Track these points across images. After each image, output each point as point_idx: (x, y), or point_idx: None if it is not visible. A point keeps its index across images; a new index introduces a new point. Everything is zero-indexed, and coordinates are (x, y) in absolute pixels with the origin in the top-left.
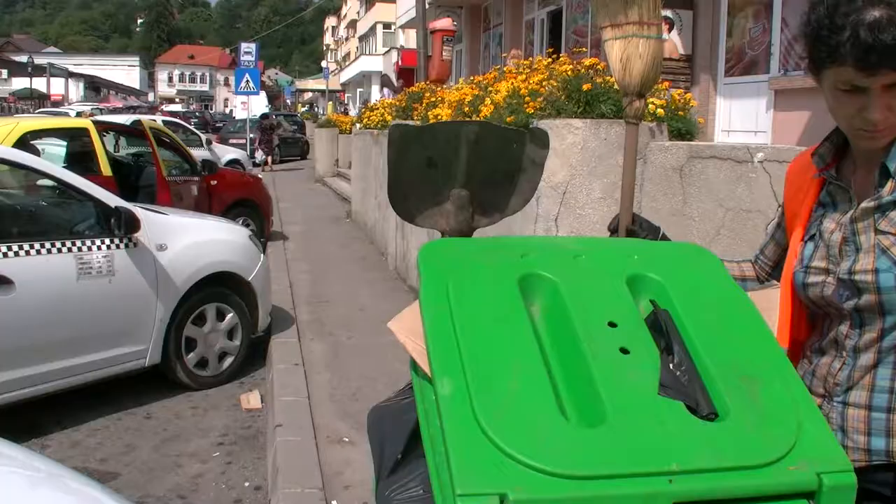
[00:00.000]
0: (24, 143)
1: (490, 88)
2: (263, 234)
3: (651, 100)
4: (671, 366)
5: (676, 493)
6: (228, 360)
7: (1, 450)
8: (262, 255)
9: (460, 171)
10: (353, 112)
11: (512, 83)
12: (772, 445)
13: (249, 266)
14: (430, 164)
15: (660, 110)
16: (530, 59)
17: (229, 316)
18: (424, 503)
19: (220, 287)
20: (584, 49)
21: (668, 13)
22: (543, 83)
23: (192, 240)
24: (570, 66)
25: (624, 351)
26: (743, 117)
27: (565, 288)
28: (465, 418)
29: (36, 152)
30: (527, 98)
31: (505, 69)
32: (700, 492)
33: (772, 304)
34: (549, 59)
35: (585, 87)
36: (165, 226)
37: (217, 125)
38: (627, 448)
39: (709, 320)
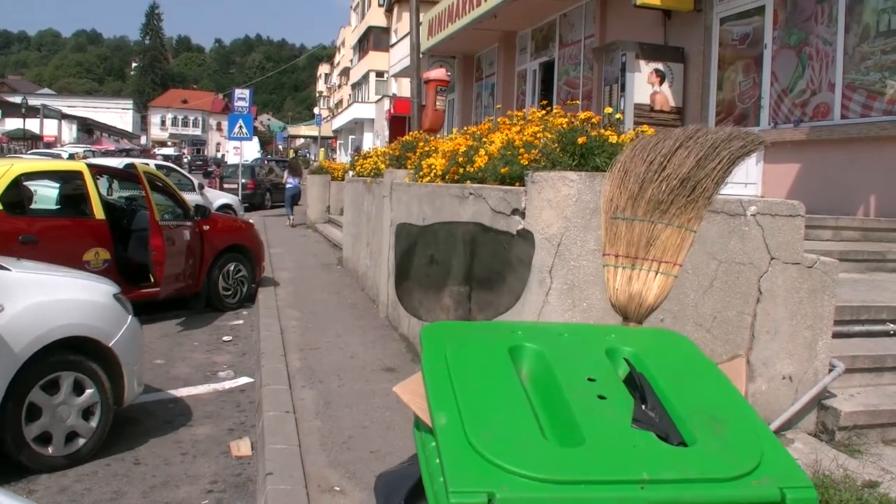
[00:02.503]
0: (17, 184)
1: (484, 139)
2: (255, 279)
3: None
4: (644, 407)
5: (647, 499)
6: (79, 443)
7: None
8: (129, 316)
9: (458, 268)
10: (341, 159)
11: (506, 134)
12: (735, 465)
13: (110, 330)
14: (431, 261)
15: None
16: (523, 110)
17: (89, 391)
18: None
19: (75, 354)
20: (577, 101)
21: (659, 66)
22: (538, 135)
23: (37, 300)
24: (566, 119)
25: (601, 397)
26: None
27: (550, 354)
28: (457, 439)
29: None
30: (521, 149)
31: (499, 120)
32: (669, 499)
33: (740, 373)
34: (544, 111)
35: (581, 140)
36: (3, 283)
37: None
38: (603, 461)
39: (679, 380)
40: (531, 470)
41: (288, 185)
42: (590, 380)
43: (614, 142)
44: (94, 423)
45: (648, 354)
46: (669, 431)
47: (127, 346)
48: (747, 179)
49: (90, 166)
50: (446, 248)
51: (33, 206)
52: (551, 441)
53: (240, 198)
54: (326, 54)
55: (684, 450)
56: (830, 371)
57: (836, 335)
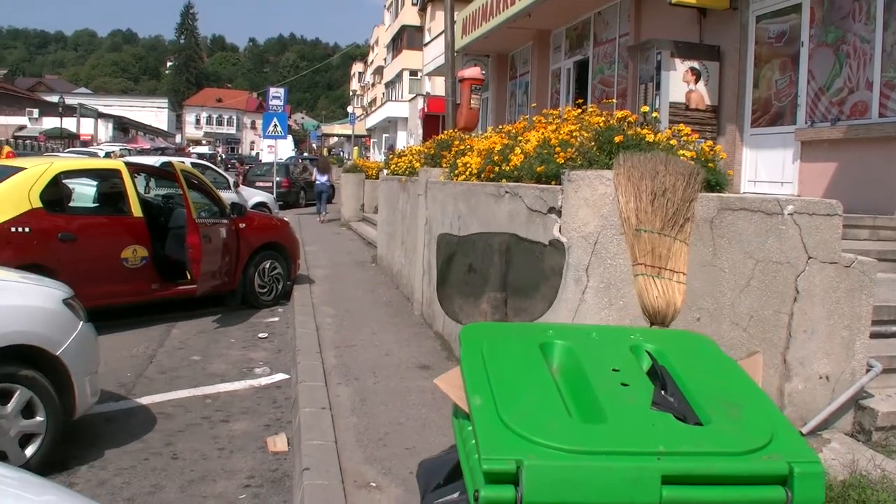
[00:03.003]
0: (56, 182)
1: (520, 138)
2: (290, 277)
3: (681, 151)
4: (663, 393)
5: (664, 469)
6: (27, 455)
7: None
8: (81, 322)
9: (494, 276)
10: (375, 157)
11: (542, 133)
12: (748, 441)
13: (58, 337)
14: (470, 269)
15: (690, 162)
16: (558, 109)
17: (31, 402)
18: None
19: (16, 364)
20: (612, 100)
21: (694, 64)
22: (574, 133)
23: None
24: (602, 118)
25: (624, 385)
26: (769, 168)
27: (579, 349)
28: (490, 417)
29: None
30: (557, 148)
31: (535, 119)
32: (684, 470)
33: (757, 367)
34: (580, 110)
35: (617, 139)
36: None
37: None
38: (622, 436)
39: (698, 372)
40: (556, 441)
41: (317, 182)
42: (614, 370)
43: (651, 140)
44: (35, 443)
45: (670, 350)
46: (687, 413)
47: (77, 354)
48: (783, 178)
49: (128, 164)
50: (484, 258)
51: (72, 203)
52: (576, 419)
53: (274, 196)
54: (360, 53)
55: (700, 428)
56: (868, 371)
57: (873, 335)
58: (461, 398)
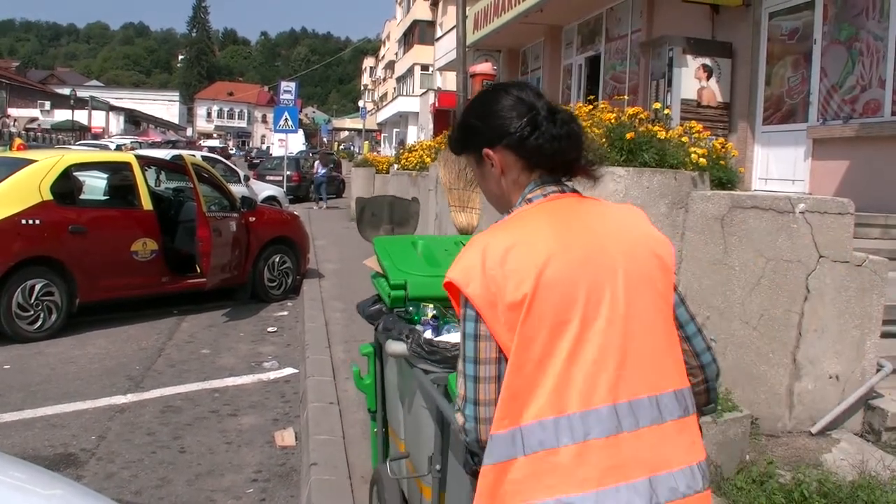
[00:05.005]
0: (67, 175)
1: None
2: (300, 271)
3: (692, 149)
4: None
5: None
6: None
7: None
8: None
9: (386, 217)
10: (385, 152)
11: None
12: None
13: None
14: (373, 215)
15: (702, 160)
16: (569, 105)
17: None
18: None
19: None
20: (623, 96)
21: (706, 61)
22: (585, 130)
23: None
24: (613, 114)
25: (447, 251)
26: (780, 165)
27: (429, 243)
28: (392, 267)
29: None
30: None
31: None
32: None
33: None
34: (591, 106)
35: (629, 135)
36: None
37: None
38: (444, 268)
39: None
40: (418, 272)
41: (317, 175)
42: (445, 250)
43: (663, 137)
44: None
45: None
46: None
47: None
48: (795, 176)
49: (138, 158)
50: (380, 208)
51: (82, 196)
52: (426, 264)
53: (285, 190)
54: (371, 48)
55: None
56: (878, 371)
57: (884, 335)
58: (377, 266)
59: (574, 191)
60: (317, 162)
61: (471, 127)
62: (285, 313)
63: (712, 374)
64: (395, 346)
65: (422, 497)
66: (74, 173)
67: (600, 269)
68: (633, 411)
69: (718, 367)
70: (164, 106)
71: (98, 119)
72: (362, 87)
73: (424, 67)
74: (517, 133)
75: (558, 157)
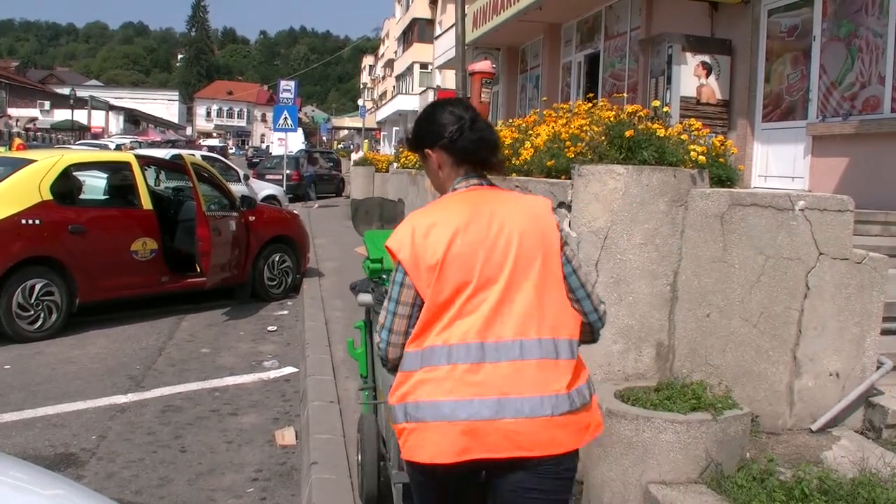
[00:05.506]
0: (67, 175)
1: (530, 132)
2: (300, 270)
3: (692, 146)
4: None
5: None
6: None
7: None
8: None
9: (376, 215)
10: (385, 150)
11: (552, 127)
12: None
13: None
14: (366, 213)
15: (701, 157)
16: (568, 103)
17: None
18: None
19: None
20: (622, 94)
21: (706, 58)
22: (584, 128)
23: None
24: (612, 112)
25: None
26: (780, 162)
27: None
28: (373, 248)
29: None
30: (567, 142)
31: (545, 113)
32: None
33: None
34: (590, 104)
35: (628, 133)
36: None
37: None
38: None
39: None
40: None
41: (307, 174)
42: None
43: (662, 135)
44: None
45: None
46: None
47: None
48: (794, 173)
49: (138, 157)
50: (371, 207)
51: (82, 196)
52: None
53: (284, 189)
54: (371, 46)
55: None
56: (878, 368)
57: (884, 332)
58: (364, 252)
59: (491, 184)
60: (305, 160)
61: (418, 132)
62: (285, 312)
63: (597, 328)
64: (363, 297)
65: (387, 424)
66: (74, 173)
67: (495, 245)
68: (497, 349)
69: (603, 322)
70: (163, 105)
71: (98, 119)
72: (362, 86)
73: (424, 66)
74: (448, 137)
75: (476, 156)
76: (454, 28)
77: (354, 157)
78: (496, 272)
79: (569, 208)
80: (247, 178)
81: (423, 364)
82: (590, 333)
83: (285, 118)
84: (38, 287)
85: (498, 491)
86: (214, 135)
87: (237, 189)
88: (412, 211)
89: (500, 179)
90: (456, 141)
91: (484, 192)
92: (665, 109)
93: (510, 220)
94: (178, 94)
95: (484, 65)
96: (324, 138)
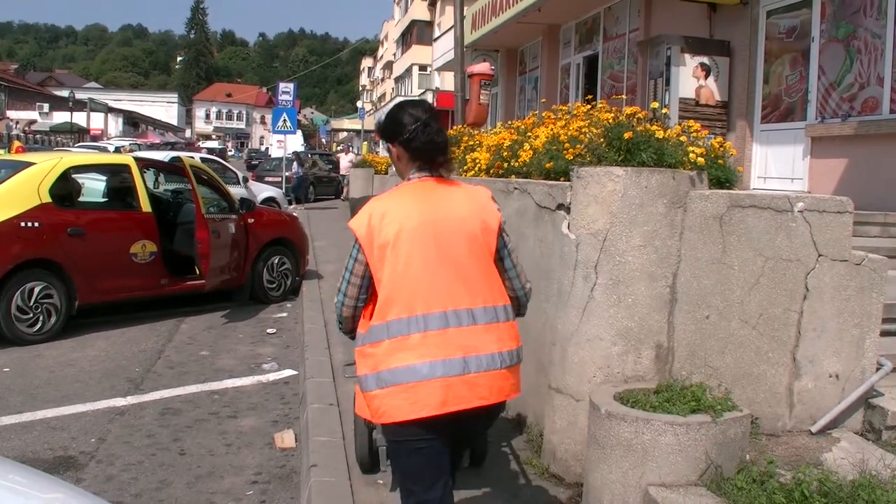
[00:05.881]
0: (66, 177)
1: (529, 134)
2: (299, 272)
3: (691, 148)
4: None
5: None
6: None
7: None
8: None
9: None
10: (384, 152)
11: (551, 129)
12: None
13: None
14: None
15: (700, 159)
16: (567, 104)
17: None
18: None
19: None
20: (621, 96)
21: (704, 60)
22: (583, 130)
23: None
24: (611, 114)
25: None
26: (779, 164)
27: None
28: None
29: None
30: (566, 144)
31: (544, 115)
32: None
33: None
34: (589, 106)
35: (627, 135)
36: None
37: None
38: None
39: None
40: None
41: (296, 175)
42: None
43: (661, 137)
44: None
45: None
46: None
47: None
48: (793, 175)
49: (137, 160)
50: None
51: (82, 198)
52: None
53: (283, 191)
54: (369, 48)
55: None
56: (878, 370)
57: (883, 333)
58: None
59: (440, 176)
60: (294, 162)
61: (384, 128)
62: (284, 315)
63: (523, 303)
64: None
65: None
66: (73, 175)
67: (435, 227)
68: (457, 317)
69: (528, 297)
70: (162, 107)
71: (97, 121)
72: (361, 88)
73: (423, 68)
74: (405, 136)
75: (426, 154)
76: (453, 30)
77: (345, 158)
78: (444, 251)
79: (568, 210)
80: (246, 180)
81: (391, 335)
82: (517, 308)
83: (284, 120)
84: (37, 290)
85: (457, 437)
86: (213, 137)
87: (236, 191)
88: (372, 198)
89: (447, 172)
90: (411, 141)
91: (431, 183)
92: (664, 111)
93: (455, 208)
94: (177, 96)
95: (483, 66)
96: (323, 140)
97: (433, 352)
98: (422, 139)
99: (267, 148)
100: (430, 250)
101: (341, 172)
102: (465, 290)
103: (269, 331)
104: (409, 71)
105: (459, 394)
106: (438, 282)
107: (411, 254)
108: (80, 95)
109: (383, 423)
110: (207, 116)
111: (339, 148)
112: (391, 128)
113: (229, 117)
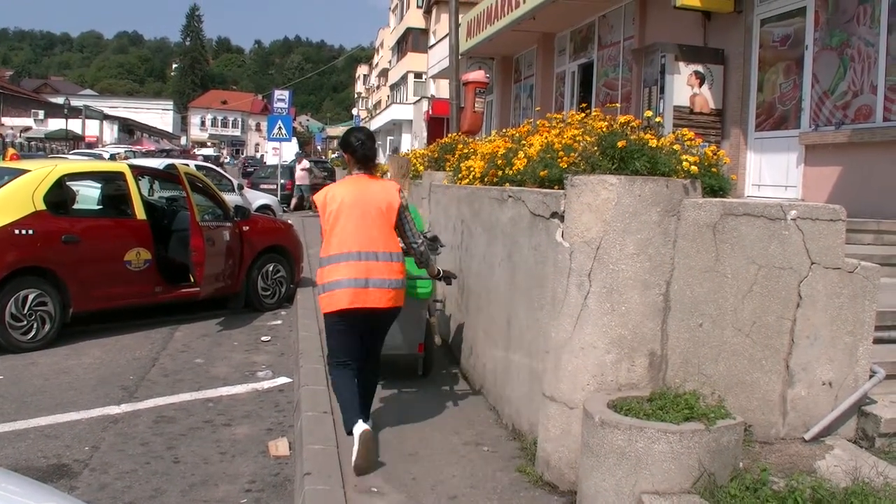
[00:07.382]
0: (61, 185)
1: (523, 142)
2: (293, 280)
3: (684, 156)
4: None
5: None
6: None
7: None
8: None
9: None
10: (379, 160)
11: (545, 137)
12: None
13: None
14: None
15: (693, 167)
16: (562, 112)
17: None
18: None
19: None
20: (616, 104)
21: (699, 68)
22: (577, 138)
23: None
24: (605, 122)
25: None
26: (773, 172)
27: None
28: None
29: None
30: (560, 152)
31: (538, 123)
32: None
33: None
34: (583, 114)
35: (620, 144)
36: None
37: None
38: None
39: None
40: None
41: (282, 181)
42: None
43: (654, 145)
44: None
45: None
46: None
47: None
48: (787, 182)
49: (132, 167)
50: None
51: (76, 206)
52: None
53: (278, 198)
54: (365, 55)
55: None
56: (871, 377)
57: (876, 341)
58: None
59: (370, 173)
60: (305, 170)
61: (341, 143)
62: (279, 322)
63: (417, 254)
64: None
65: None
66: (68, 183)
67: (365, 203)
68: (367, 255)
69: (422, 251)
70: (158, 115)
71: (92, 128)
72: (356, 95)
73: (418, 75)
74: (351, 148)
75: (362, 161)
76: (448, 38)
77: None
78: (364, 217)
79: (562, 218)
80: (241, 187)
81: (330, 263)
82: (418, 259)
83: (279, 128)
84: (31, 297)
85: (368, 326)
86: (209, 144)
87: (231, 199)
88: (332, 183)
89: (374, 171)
90: (355, 151)
91: (362, 178)
92: (658, 119)
93: (373, 192)
94: (172, 103)
95: (477, 74)
96: (318, 147)
97: (350, 272)
98: (360, 152)
99: (262, 155)
100: (356, 216)
101: (297, 182)
102: (373, 240)
103: (263, 338)
104: (404, 78)
105: (359, 298)
106: (359, 234)
107: (346, 217)
108: (75, 102)
109: (324, 313)
110: (203, 124)
111: (334, 156)
112: (345, 143)
113: (224, 125)
